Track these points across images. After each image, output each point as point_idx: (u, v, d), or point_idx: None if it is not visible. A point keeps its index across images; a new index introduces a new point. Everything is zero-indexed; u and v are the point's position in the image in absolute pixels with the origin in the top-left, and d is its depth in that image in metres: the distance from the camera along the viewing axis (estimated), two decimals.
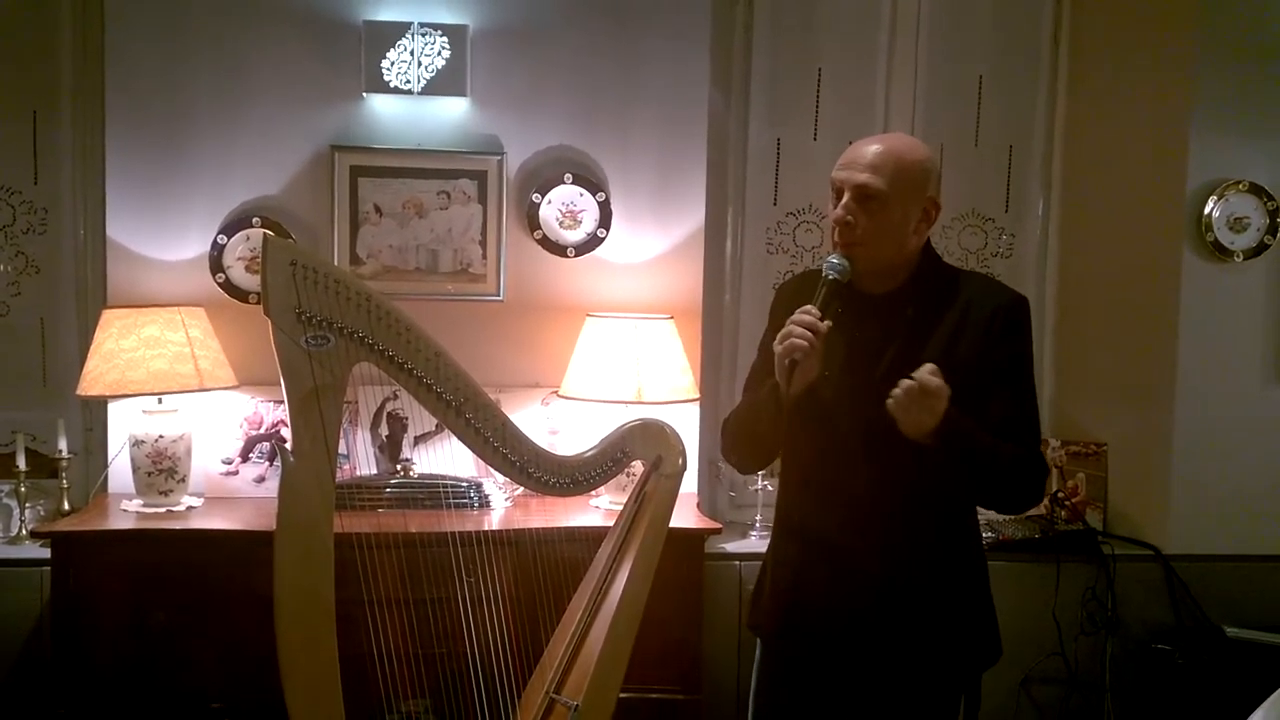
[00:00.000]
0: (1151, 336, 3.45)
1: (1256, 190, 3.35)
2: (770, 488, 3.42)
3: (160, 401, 3.06)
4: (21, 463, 3.18)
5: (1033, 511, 3.54)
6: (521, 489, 2.90)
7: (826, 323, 1.98)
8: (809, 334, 1.96)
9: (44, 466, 3.27)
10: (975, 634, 2.13)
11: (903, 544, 2.07)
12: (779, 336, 1.99)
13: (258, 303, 3.17)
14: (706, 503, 3.54)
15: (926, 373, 1.91)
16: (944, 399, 1.90)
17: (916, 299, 2.07)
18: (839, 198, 2.04)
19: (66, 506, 3.20)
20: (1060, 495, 3.54)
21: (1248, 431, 3.40)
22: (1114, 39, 3.61)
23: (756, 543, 3.37)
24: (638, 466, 2.52)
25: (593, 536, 2.59)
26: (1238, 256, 3.36)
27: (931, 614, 2.07)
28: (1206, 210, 3.33)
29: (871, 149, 2.03)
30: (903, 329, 2.05)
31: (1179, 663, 3.23)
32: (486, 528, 2.93)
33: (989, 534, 3.37)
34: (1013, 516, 3.50)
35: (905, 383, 1.91)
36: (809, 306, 2.00)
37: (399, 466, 3.20)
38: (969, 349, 2.01)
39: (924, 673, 2.09)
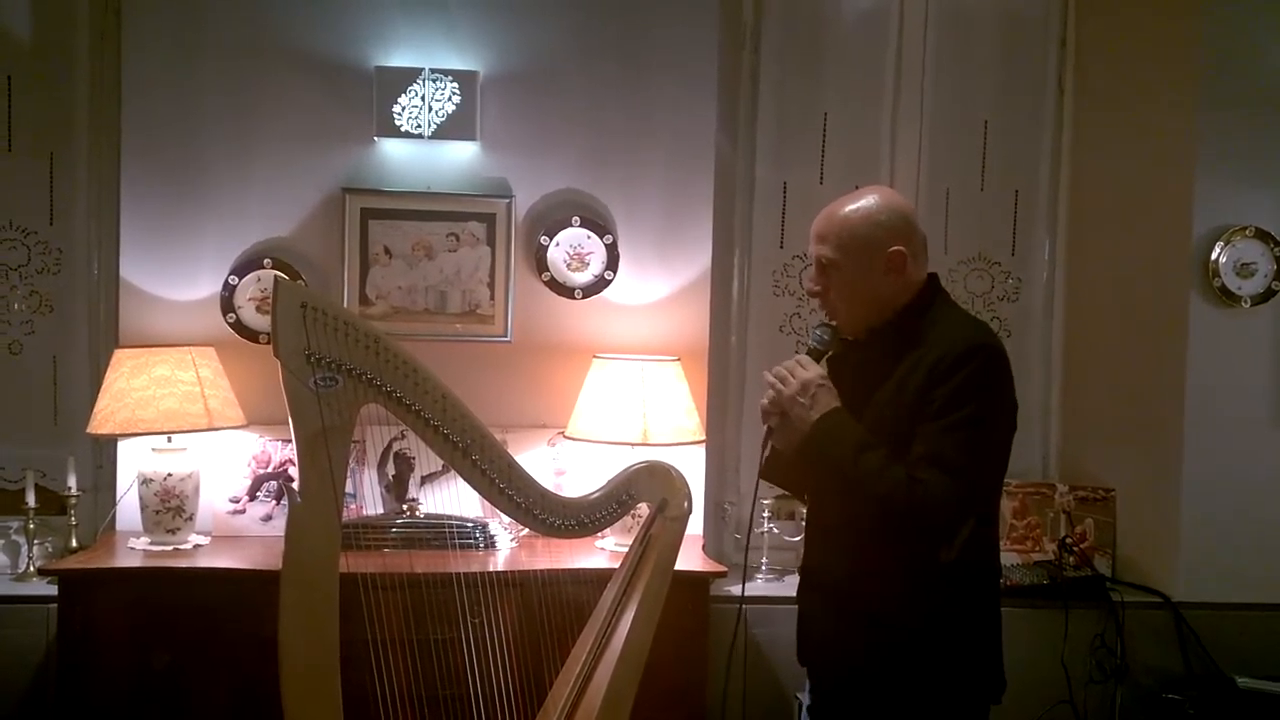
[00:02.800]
0: (1159, 382, 3.45)
1: (1263, 236, 3.36)
2: (775, 530, 3.42)
3: (169, 440, 3.07)
4: (31, 499, 3.20)
5: (1040, 557, 3.53)
6: (527, 530, 2.91)
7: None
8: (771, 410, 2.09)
9: (53, 503, 3.29)
10: (969, 668, 2.08)
11: (875, 575, 2.06)
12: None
13: (268, 343, 3.20)
14: (712, 545, 3.54)
15: (797, 364, 2.04)
16: (824, 391, 2.01)
17: (882, 342, 2.11)
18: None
19: (74, 543, 3.20)
20: (1069, 541, 3.52)
21: (1257, 477, 3.38)
22: (1118, 84, 3.64)
23: (763, 585, 3.35)
24: (643, 509, 2.52)
25: (598, 579, 2.59)
26: (1245, 302, 3.37)
27: (916, 647, 2.05)
28: (1213, 255, 3.34)
29: (822, 219, 2.11)
30: (864, 371, 2.10)
31: (1190, 713, 3.19)
32: (492, 569, 2.92)
33: None
34: (1019, 562, 3.49)
35: (775, 370, 2.07)
36: (780, 370, 2.10)
37: (405, 506, 3.21)
38: (913, 391, 2.01)
39: (916, 707, 2.06)
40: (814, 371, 2.05)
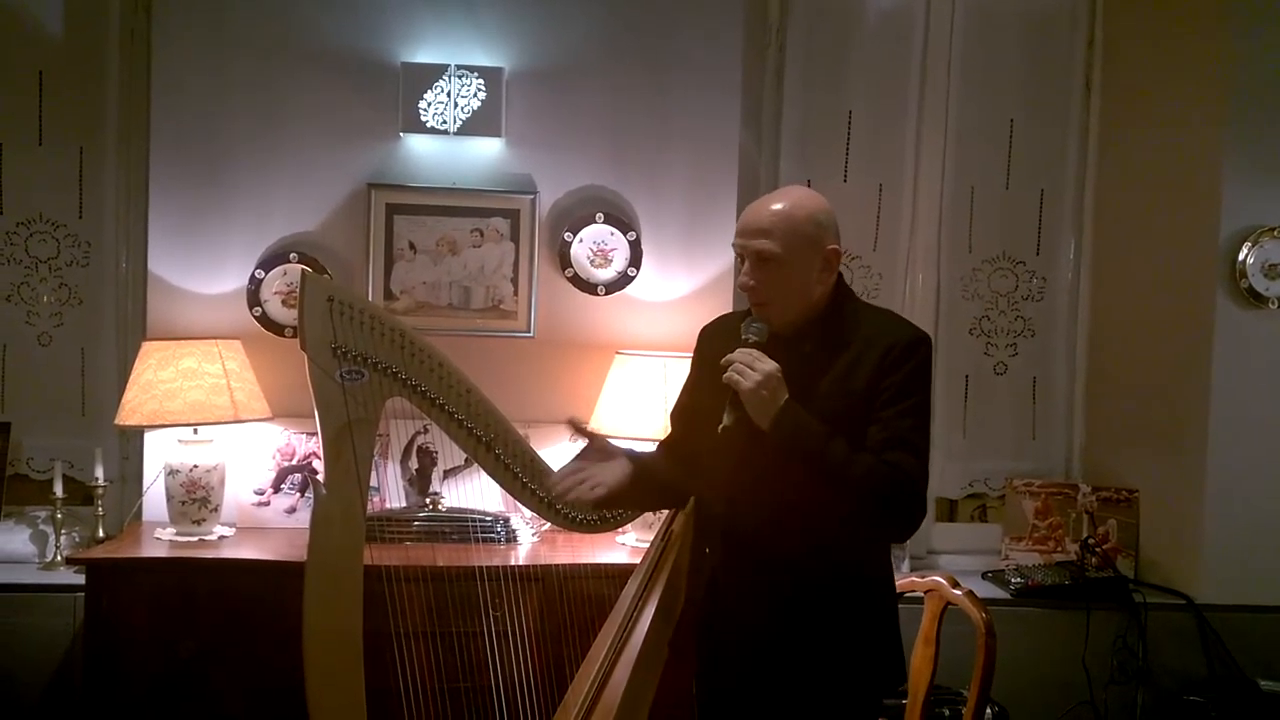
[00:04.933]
0: (1184, 383, 3.43)
1: None
2: None
3: (196, 432, 3.10)
4: (59, 489, 3.23)
5: (1062, 557, 3.52)
6: (548, 525, 2.93)
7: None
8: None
9: (80, 494, 3.33)
10: (868, 658, 2.14)
11: (781, 560, 2.11)
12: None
13: (293, 336, 3.23)
14: None
15: (754, 357, 2.05)
16: (781, 384, 2.02)
17: (814, 336, 2.13)
18: (742, 264, 2.14)
19: (101, 534, 3.24)
20: (1091, 542, 3.51)
21: None
22: (1146, 83, 3.62)
23: None
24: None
25: (619, 574, 2.60)
26: (1272, 303, 3.34)
27: (817, 636, 2.10)
28: (1240, 256, 3.32)
29: (764, 214, 2.11)
30: (800, 365, 2.10)
31: (1212, 716, 3.17)
32: (513, 563, 2.94)
33: (1018, 579, 3.35)
34: (1039, 563, 3.48)
35: (738, 352, 2.06)
36: (737, 364, 2.09)
37: (428, 500, 3.23)
38: (862, 381, 2.07)
39: (814, 694, 2.11)
40: (771, 365, 2.06)
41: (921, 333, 2.14)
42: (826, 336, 2.13)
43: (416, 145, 3.37)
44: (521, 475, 2.29)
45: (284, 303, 3.31)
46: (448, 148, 3.37)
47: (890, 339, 2.09)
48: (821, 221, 2.11)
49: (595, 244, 3.41)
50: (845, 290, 2.20)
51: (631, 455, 2.28)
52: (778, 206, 2.12)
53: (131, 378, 3.10)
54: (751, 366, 2.06)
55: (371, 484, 3.16)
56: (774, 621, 2.12)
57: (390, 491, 3.26)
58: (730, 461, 2.15)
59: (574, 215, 3.41)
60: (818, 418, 2.04)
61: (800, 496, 2.07)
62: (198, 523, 3.10)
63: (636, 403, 3.17)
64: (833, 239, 2.13)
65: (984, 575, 3.50)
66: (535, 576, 2.87)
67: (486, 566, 2.74)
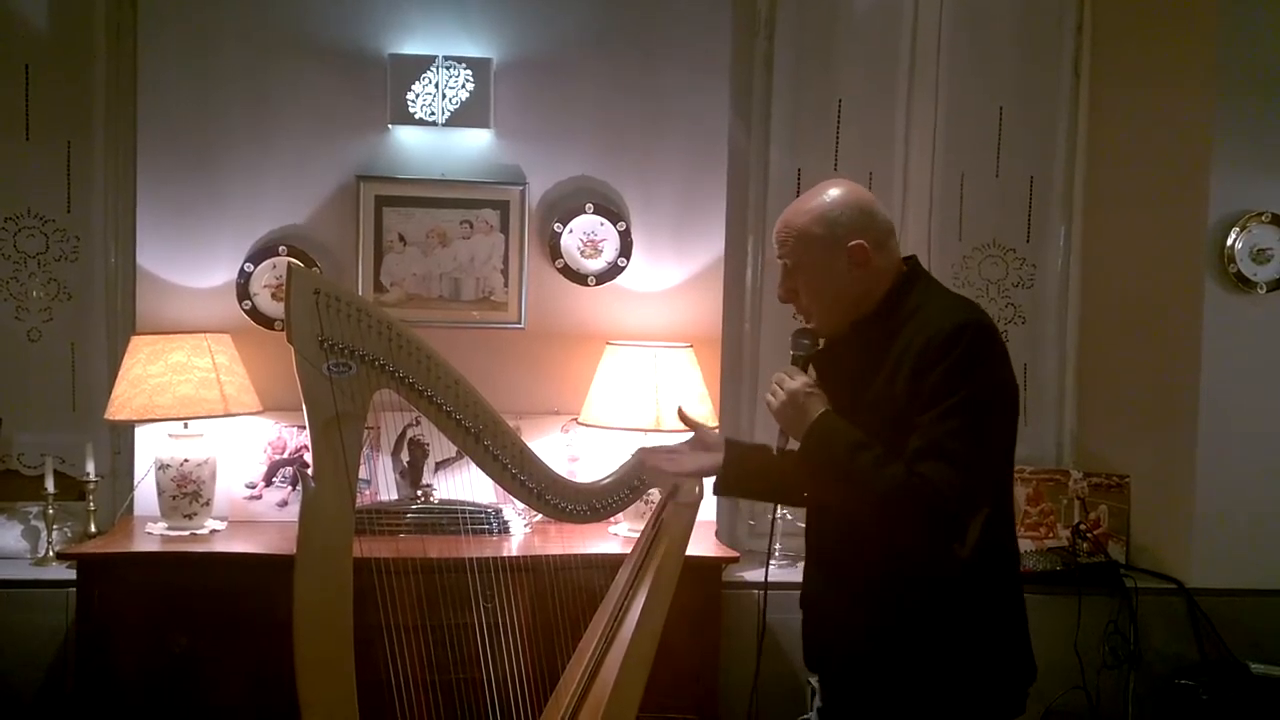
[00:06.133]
0: (1174, 368, 3.44)
1: (1279, 222, 3.33)
2: (789, 516, 3.41)
3: (186, 426, 3.10)
4: (49, 485, 3.23)
5: (1054, 543, 3.53)
6: (540, 516, 2.93)
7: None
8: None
9: (71, 489, 3.32)
10: (988, 670, 2.00)
11: (858, 579, 2.01)
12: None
13: (283, 330, 3.22)
14: (725, 531, 3.55)
15: (785, 375, 2.01)
16: (812, 399, 1.97)
17: (862, 339, 2.03)
18: None
19: (93, 529, 3.24)
20: (1082, 527, 3.52)
21: (1272, 464, 3.37)
22: (1134, 70, 3.62)
23: (776, 571, 3.36)
24: (655, 494, 2.53)
25: (610, 564, 2.60)
26: (1261, 288, 3.35)
27: (931, 649, 1.96)
28: (1229, 242, 3.32)
29: (779, 225, 2.06)
30: (850, 371, 2.02)
31: (1203, 699, 3.19)
32: (505, 554, 2.94)
33: None
34: (1033, 549, 3.48)
35: (771, 387, 2.03)
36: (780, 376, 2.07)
37: (419, 492, 3.23)
38: (901, 383, 1.91)
39: (935, 708, 1.98)
40: (800, 381, 2.00)
41: (967, 318, 1.92)
42: (877, 337, 2.00)
43: (405, 137, 3.36)
44: (511, 466, 2.28)
45: (273, 296, 3.31)
46: (436, 139, 3.37)
47: (928, 331, 1.89)
48: (835, 219, 2.00)
49: (585, 235, 3.41)
50: (913, 278, 2.05)
51: (732, 448, 2.21)
52: (791, 214, 2.05)
53: (121, 372, 3.10)
54: (781, 385, 2.01)
55: (363, 476, 3.17)
56: (862, 636, 2.01)
57: (382, 484, 3.26)
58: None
59: (564, 206, 3.41)
60: (864, 425, 1.91)
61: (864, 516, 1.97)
62: (189, 517, 3.10)
63: (627, 393, 3.17)
64: (854, 234, 1.99)
65: None
66: (527, 567, 2.87)
67: (478, 558, 2.75)
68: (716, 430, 2.38)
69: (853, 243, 2.00)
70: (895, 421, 1.89)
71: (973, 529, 1.87)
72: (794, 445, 2.05)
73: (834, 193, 2.04)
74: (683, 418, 2.36)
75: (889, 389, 1.93)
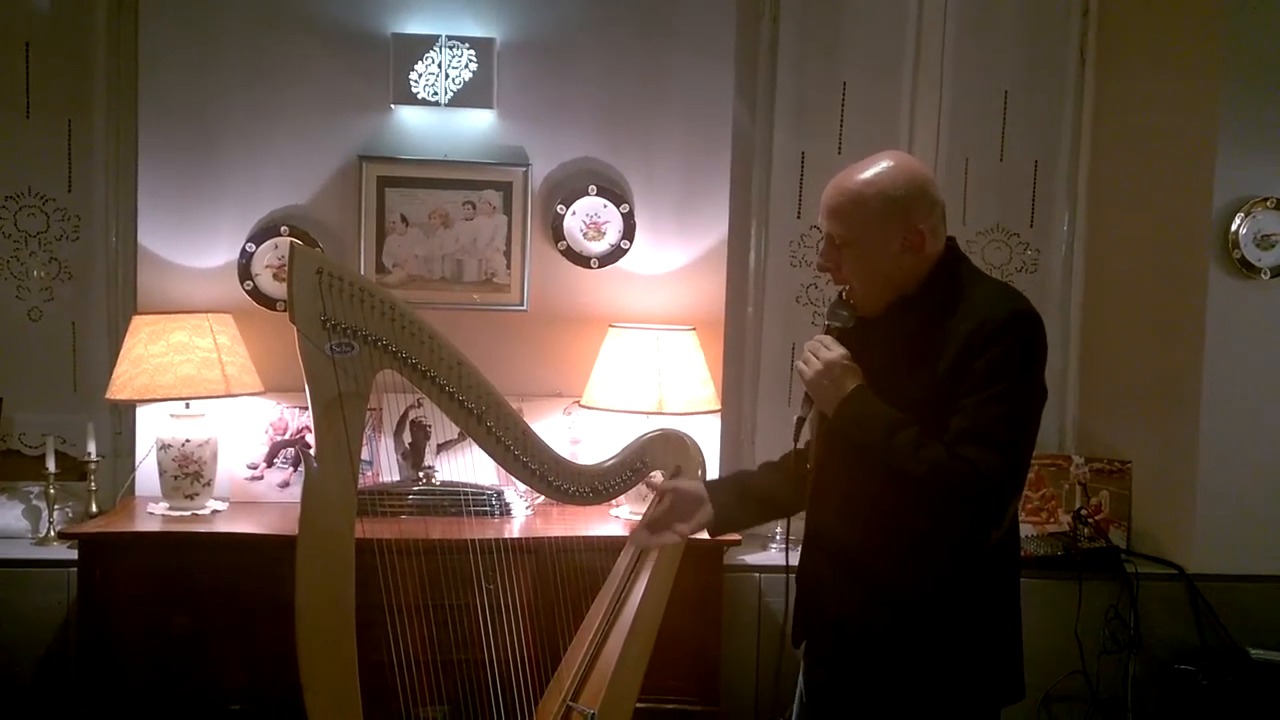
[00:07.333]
0: (1177, 353, 3.43)
1: None
2: None
3: (188, 406, 3.10)
4: (51, 465, 3.23)
5: (1055, 528, 3.53)
6: (542, 498, 2.93)
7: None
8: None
9: (73, 469, 3.32)
10: (987, 658, 1.97)
11: (858, 561, 1.98)
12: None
13: (285, 310, 3.21)
14: None
15: (821, 344, 1.97)
16: (849, 372, 1.93)
17: (904, 318, 1.97)
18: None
19: (94, 509, 3.24)
20: (1084, 513, 3.51)
21: (1274, 450, 3.37)
22: (1140, 55, 3.60)
23: (776, 554, 3.37)
24: (658, 476, 2.53)
25: (612, 546, 2.60)
26: (1265, 274, 3.34)
27: (934, 625, 1.94)
28: (1233, 227, 3.31)
29: (834, 192, 1.97)
30: (888, 349, 1.97)
31: (1202, 684, 3.19)
32: (507, 536, 2.94)
33: None
34: (1034, 533, 3.48)
35: (804, 355, 1.99)
36: (805, 352, 2.02)
37: (421, 474, 3.23)
38: (948, 364, 1.87)
39: (928, 693, 1.96)
40: (838, 352, 1.95)
41: (1023, 309, 1.90)
42: (919, 318, 1.94)
43: (407, 117, 3.35)
44: (514, 448, 2.27)
45: (275, 276, 3.30)
46: (439, 119, 3.35)
47: (982, 316, 1.86)
48: (897, 199, 1.91)
49: (588, 216, 3.40)
50: (952, 266, 1.98)
51: (715, 491, 2.24)
52: (849, 184, 1.94)
53: (122, 352, 3.09)
54: (816, 354, 1.96)
55: (365, 458, 3.17)
56: (852, 625, 1.98)
57: (384, 465, 3.27)
58: (813, 459, 2.06)
59: (567, 188, 3.39)
60: (902, 406, 1.88)
61: (873, 494, 1.93)
62: (190, 497, 3.10)
63: (630, 376, 3.17)
64: (915, 217, 1.92)
65: None
66: (529, 549, 2.87)
67: (480, 539, 2.74)
68: (694, 481, 2.34)
69: (911, 228, 1.93)
70: (931, 403, 1.86)
71: (1009, 513, 1.89)
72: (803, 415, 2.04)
73: (895, 166, 1.95)
74: (651, 486, 2.37)
75: (932, 370, 1.88)
